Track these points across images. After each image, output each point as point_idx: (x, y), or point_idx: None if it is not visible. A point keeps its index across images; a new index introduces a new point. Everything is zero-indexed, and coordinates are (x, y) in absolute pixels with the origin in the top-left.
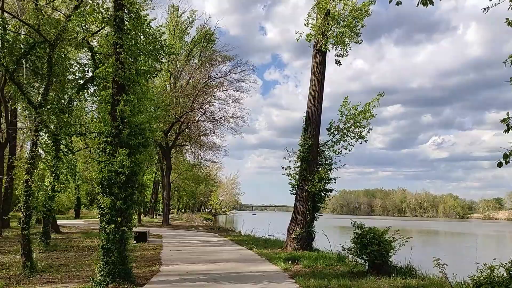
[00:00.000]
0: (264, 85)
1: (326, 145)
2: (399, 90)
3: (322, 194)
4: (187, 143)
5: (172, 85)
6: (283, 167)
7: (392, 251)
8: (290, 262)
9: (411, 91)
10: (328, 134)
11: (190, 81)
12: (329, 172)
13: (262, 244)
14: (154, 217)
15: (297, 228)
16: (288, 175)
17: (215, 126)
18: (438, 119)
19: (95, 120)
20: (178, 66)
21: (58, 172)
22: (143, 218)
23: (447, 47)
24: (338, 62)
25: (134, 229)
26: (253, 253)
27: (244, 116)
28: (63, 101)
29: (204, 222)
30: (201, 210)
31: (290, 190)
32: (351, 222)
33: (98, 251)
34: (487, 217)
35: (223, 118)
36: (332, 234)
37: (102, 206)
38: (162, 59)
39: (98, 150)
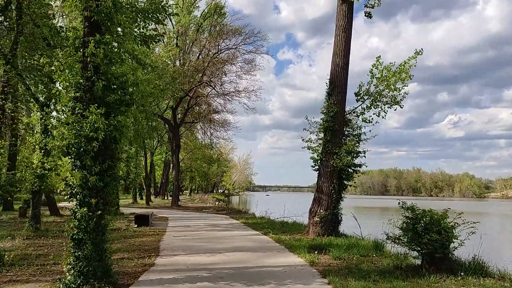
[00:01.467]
0: (277, 65)
1: (354, 112)
2: (415, 68)
3: (350, 170)
4: (197, 120)
5: (182, 61)
6: (302, 139)
7: (455, 240)
8: (316, 251)
9: (427, 69)
10: (356, 100)
11: (200, 56)
12: (357, 144)
13: (279, 228)
14: (165, 198)
15: (321, 210)
16: (309, 149)
17: (226, 101)
18: (454, 98)
19: (60, 68)
20: (187, 41)
21: (48, 148)
22: (154, 199)
23: (466, 23)
24: (368, 15)
25: (136, 211)
26: (270, 239)
27: (257, 91)
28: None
29: (217, 203)
30: (214, 191)
31: (312, 166)
32: (399, 203)
33: (68, 242)
34: (505, 196)
35: (234, 92)
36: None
37: (70, 183)
38: (163, 20)
39: (66, 110)
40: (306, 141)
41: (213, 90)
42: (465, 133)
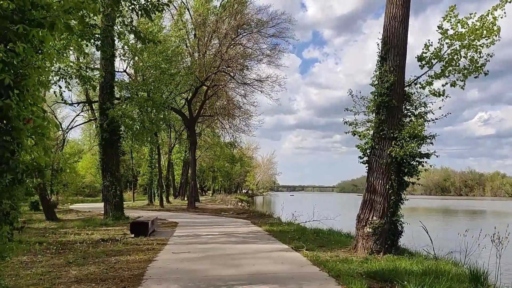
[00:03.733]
0: (302, 64)
1: (417, 83)
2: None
3: (413, 162)
4: (216, 113)
5: (201, 54)
6: (345, 123)
7: None
8: (378, 284)
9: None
10: (420, 66)
11: (220, 48)
12: (424, 125)
13: (313, 240)
14: (185, 199)
15: (374, 217)
16: (354, 134)
17: (246, 92)
18: (485, 94)
19: None
20: (206, 33)
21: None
22: (173, 200)
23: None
24: None
25: (133, 216)
26: (304, 259)
27: (281, 80)
28: None
29: (239, 204)
30: (238, 191)
31: (359, 157)
32: None
33: None
34: None
35: (256, 81)
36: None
37: None
38: None
39: None
40: (350, 124)
41: (232, 79)
42: (496, 130)
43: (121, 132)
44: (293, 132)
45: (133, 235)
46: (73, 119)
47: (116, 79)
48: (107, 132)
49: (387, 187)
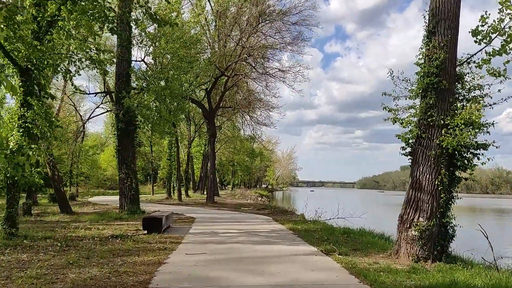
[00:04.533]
0: (324, 58)
1: (471, 62)
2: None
3: (468, 154)
4: (237, 104)
5: (222, 47)
6: (384, 108)
7: None
8: None
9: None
10: (477, 41)
11: (241, 36)
12: (482, 110)
13: (344, 242)
14: (204, 193)
15: (420, 218)
16: (395, 121)
17: (267, 81)
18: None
19: None
20: (227, 23)
21: (30, 125)
22: (192, 194)
23: None
24: None
25: (149, 211)
26: (337, 265)
27: (304, 71)
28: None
29: (259, 199)
30: (257, 186)
31: (402, 148)
32: None
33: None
34: None
35: (278, 71)
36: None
37: None
38: None
39: None
40: (390, 110)
41: (254, 68)
42: None
43: (137, 123)
44: (313, 127)
45: (145, 232)
46: (93, 111)
47: (134, 69)
48: (123, 122)
49: (436, 183)
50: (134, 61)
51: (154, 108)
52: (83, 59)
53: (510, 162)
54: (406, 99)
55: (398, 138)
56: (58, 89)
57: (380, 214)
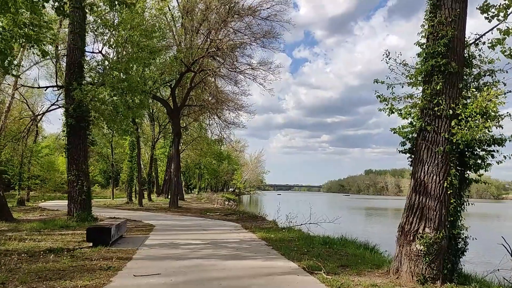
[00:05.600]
0: (293, 63)
1: (479, 43)
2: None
3: (480, 151)
4: (204, 102)
5: (189, 41)
6: (378, 97)
7: None
8: None
9: None
10: (488, 19)
11: (209, 35)
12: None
13: (328, 255)
14: (169, 197)
15: (426, 228)
16: (391, 112)
17: (237, 79)
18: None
19: None
20: (194, 21)
21: None
22: (155, 198)
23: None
24: None
25: (104, 217)
26: None
27: (275, 69)
28: None
29: (227, 203)
30: (225, 190)
31: (401, 144)
32: None
33: None
34: None
35: (248, 69)
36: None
37: None
38: None
39: None
40: (382, 100)
41: (222, 65)
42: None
43: (90, 119)
44: (281, 131)
45: (91, 244)
46: (48, 108)
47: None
48: (73, 118)
49: (445, 185)
50: (91, 52)
51: (110, 103)
52: (17, 37)
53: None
54: (402, 86)
55: (394, 132)
56: (9, 85)
57: (352, 219)
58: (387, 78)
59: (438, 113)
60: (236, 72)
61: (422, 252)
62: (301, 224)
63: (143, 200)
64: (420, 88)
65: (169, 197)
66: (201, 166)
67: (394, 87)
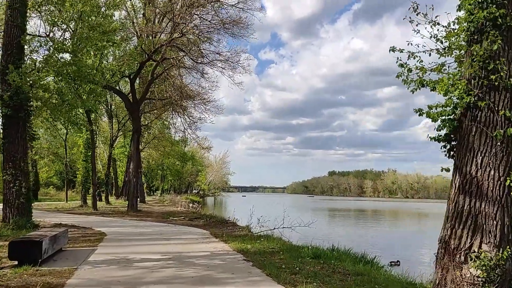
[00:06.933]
0: (259, 65)
1: None
2: (397, 71)
3: None
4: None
5: (150, 28)
6: (402, 65)
7: None
8: None
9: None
10: None
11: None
12: None
13: (326, 274)
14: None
15: (483, 245)
16: (421, 85)
17: (204, 71)
18: (431, 101)
19: None
20: (157, 13)
21: None
22: (114, 201)
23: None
24: None
25: (48, 223)
26: None
27: (244, 61)
28: None
29: (191, 205)
30: (188, 191)
31: (436, 129)
32: None
33: None
34: None
35: (216, 60)
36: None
37: None
38: None
39: None
40: (408, 70)
41: (187, 54)
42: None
43: (31, 108)
44: (246, 133)
45: (16, 262)
46: None
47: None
48: (10, 108)
49: (508, 183)
50: (37, 36)
51: (55, 90)
52: None
53: (426, 168)
54: (430, 55)
55: (420, 114)
56: None
57: (324, 222)
58: (408, 44)
59: (495, 83)
60: (203, 64)
61: (479, 279)
62: (274, 228)
63: (100, 204)
64: (456, 55)
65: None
66: (164, 167)
67: (418, 56)
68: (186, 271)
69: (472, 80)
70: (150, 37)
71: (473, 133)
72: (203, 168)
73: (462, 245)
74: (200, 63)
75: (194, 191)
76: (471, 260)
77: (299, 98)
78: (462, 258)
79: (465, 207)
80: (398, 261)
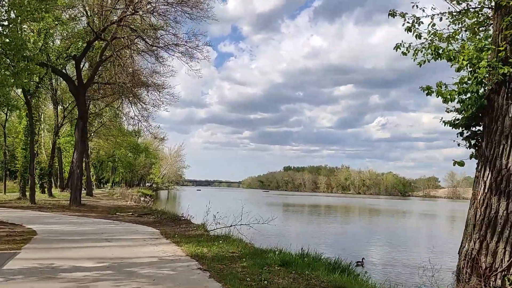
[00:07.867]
0: (218, 57)
1: None
2: (354, 70)
3: None
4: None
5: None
6: (417, 36)
7: None
8: None
9: (365, 71)
10: None
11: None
12: None
13: None
14: None
15: None
16: (448, 58)
17: (158, 55)
18: (384, 101)
19: None
20: None
21: None
22: (58, 193)
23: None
24: None
25: None
26: None
27: (203, 48)
28: None
29: (142, 199)
30: (141, 185)
31: (457, 111)
32: None
33: None
34: (427, 195)
35: (172, 45)
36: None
37: None
38: None
39: None
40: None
41: (140, 37)
42: (391, 134)
43: None
44: (203, 126)
45: None
46: None
47: None
48: None
49: None
50: None
51: None
52: None
53: (377, 165)
54: (440, 19)
55: (428, 94)
56: None
57: (282, 217)
58: (413, 6)
59: None
60: (159, 47)
61: None
62: (231, 226)
63: (43, 196)
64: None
65: None
66: (115, 158)
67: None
68: (124, 285)
69: (508, 46)
70: (101, 15)
71: (510, 115)
72: (157, 161)
73: (498, 263)
74: (154, 45)
75: (147, 184)
76: (510, 284)
77: (257, 92)
78: (499, 281)
79: (500, 213)
80: (363, 259)
